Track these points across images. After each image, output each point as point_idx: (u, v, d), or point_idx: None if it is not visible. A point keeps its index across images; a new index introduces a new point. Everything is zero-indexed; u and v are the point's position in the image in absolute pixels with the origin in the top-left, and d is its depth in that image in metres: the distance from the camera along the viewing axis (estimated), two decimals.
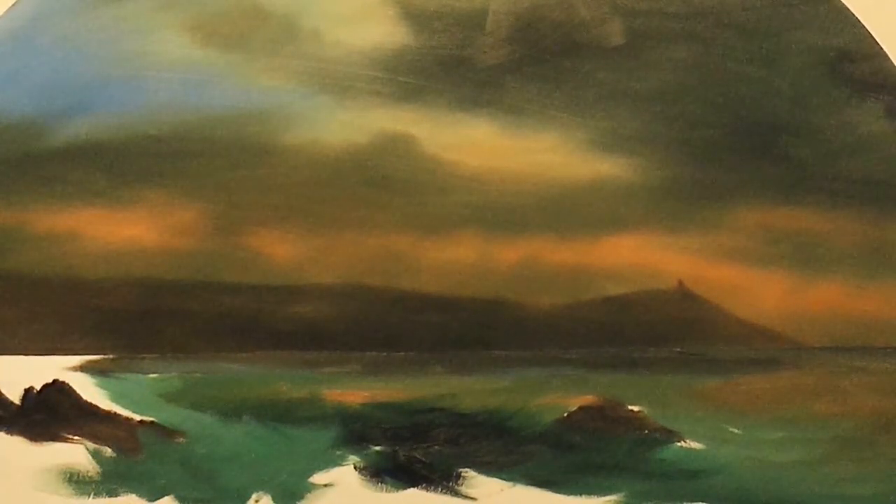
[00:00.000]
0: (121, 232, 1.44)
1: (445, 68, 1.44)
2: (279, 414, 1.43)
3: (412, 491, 1.41)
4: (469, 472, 1.41)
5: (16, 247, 1.44)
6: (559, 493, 1.41)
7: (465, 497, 1.41)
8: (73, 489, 1.44)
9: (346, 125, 1.43)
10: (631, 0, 1.44)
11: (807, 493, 1.39)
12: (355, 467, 1.42)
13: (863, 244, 1.41)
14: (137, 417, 1.44)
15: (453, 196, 1.43)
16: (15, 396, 1.45)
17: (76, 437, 1.44)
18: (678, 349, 1.41)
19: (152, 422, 1.44)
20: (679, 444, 1.40)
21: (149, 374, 1.44)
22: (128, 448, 1.44)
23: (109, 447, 1.44)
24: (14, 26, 1.47)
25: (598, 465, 1.41)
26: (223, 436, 1.43)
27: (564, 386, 1.41)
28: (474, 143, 1.43)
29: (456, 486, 1.41)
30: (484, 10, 1.45)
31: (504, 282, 1.42)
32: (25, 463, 1.44)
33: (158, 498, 1.44)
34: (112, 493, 1.44)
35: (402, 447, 1.42)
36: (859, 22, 1.43)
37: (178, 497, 1.44)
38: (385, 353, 1.42)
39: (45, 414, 1.44)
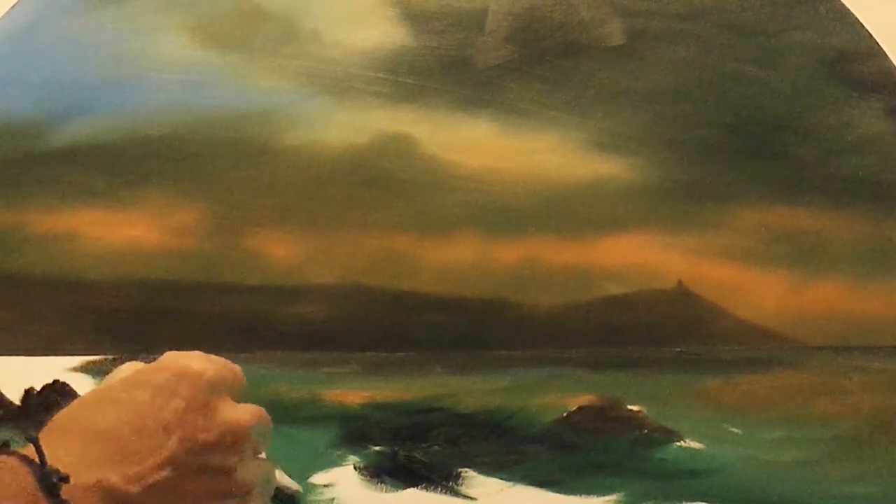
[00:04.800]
0: (121, 232, 1.44)
1: (445, 68, 1.44)
2: (279, 414, 1.42)
3: (412, 491, 1.41)
4: (469, 472, 1.41)
5: (16, 247, 1.44)
6: (559, 493, 1.40)
7: (465, 497, 1.41)
8: None
9: (345, 125, 1.43)
10: (631, 0, 1.44)
11: (807, 493, 1.39)
12: (355, 467, 1.42)
13: (863, 244, 1.41)
14: None
15: (453, 196, 1.42)
16: (15, 396, 1.44)
17: None
18: (678, 349, 1.41)
19: None
20: (679, 443, 1.40)
21: None
22: None
23: None
24: (14, 27, 1.47)
25: (597, 465, 1.41)
26: None
27: (564, 386, 1.41)
28: (474, 143, 1.43)
29: (456, 486, 1.41)
30: (484, 10, 1.45)
31: (504, 282, 1.42)
32: None
33: None
34: None
35: (402, 447, 1.42)
36: (859, 22, 1.43)
37: None
38: (385, 353, 1.42)
39: (45, 414, 1.44)
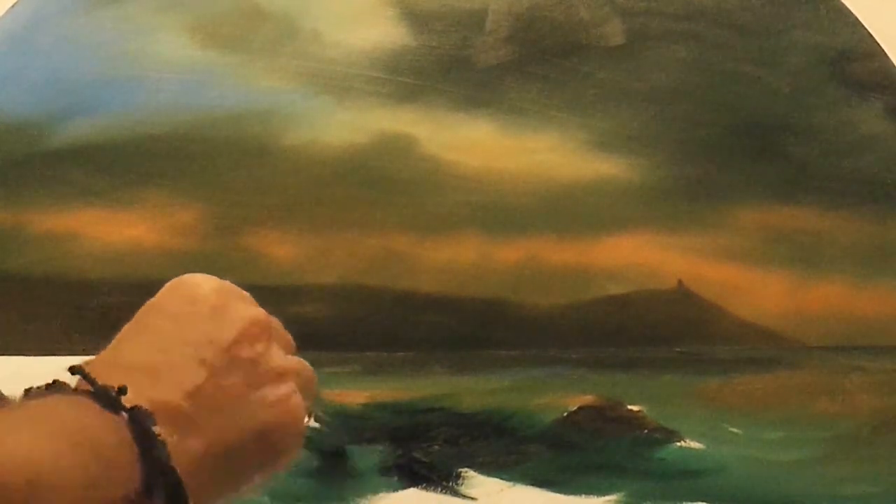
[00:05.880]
0: (121, 232, 1.44)
1: (445, 69, 1.44)
2: None
3: (412, 491, 1.41)
4: (469, 472, 1.41)
5: (16, 247, 1.44)
6: (559, 492, 1.40)
7: (465, 497, 1.41)
8: None
9: (346, 125, 1.44)
10: (631, 0, 1.44)
11: (806, 493, 1.39)
12: (355, 467, 1.42)
13: (863, 244, 1.41)
14: None
15: (453, 196, 1.43)
16: (15, 397, 1.44)
17: None
18: (678, 349, 1.41)
19: None
20: (679, 443, 1.40)
21: None
22: None
23: None
24: (14, 26, 1.47)
25: (598, 465, 1.41)
26: None
27: (564, 386, 1.41)
28: (474, 143, 1.43)
29: (456, 486, 1.41)
30: (484, 10, 1.45)
31: (504, 282, 1.42)
32: None
33: None
34: None
35: (402, 447, 1.42)
36: (859, 22, 1.43)
37: None
38: (385, 353, 1.42)
39: None
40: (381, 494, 1.41)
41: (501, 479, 1.41)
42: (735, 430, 1.40)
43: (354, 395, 1.42)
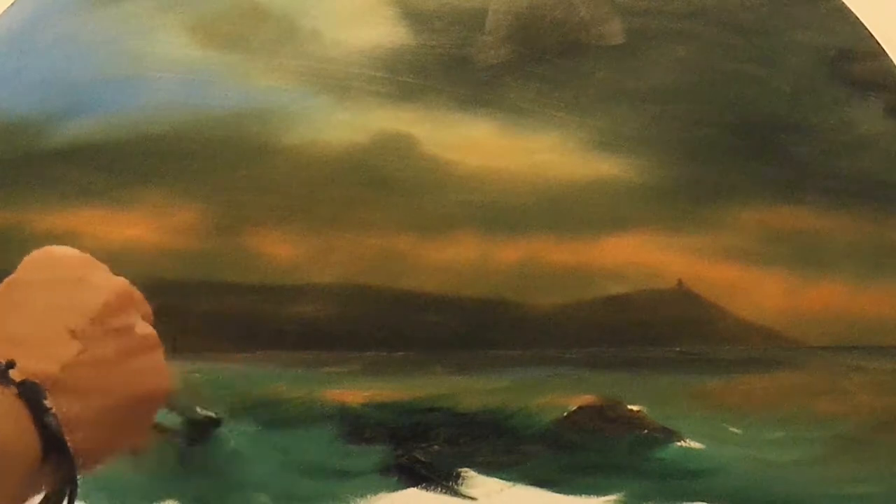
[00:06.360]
0: (120, 232, 1.44)
1: (445, 68, 1.44)
2: (279, 413, 1.43)
3: (412, 491, 1.41)
4: (469, 472, 1.41)
5: (16, 247, 1.44)
6: (559, 492, 1.40)
7: (465, 497, 1.41)
8: None
9: (345, 125, 1.43)
10: (631, 0, 1.44)
11: (807, 493, 1.39)
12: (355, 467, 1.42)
13: (863, 244, 1.41)
14: None
15: (453, 196, 1.42)
16: None
17: None
18: (678, 349, 1.41)
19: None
20: (679, 443, 1.40)
21: None
22: None
23: None
24: (14, 26, 1.47)
25: (597, 465, 1.41)
26: (223, 436, 1.43)
27: (564, 386, 1.41)
28: (474, 143, 1.43)
29: (456, 486, 1.41)
30: (484, 10, 1.45)
31: (504, 282, 1.42)
32: None
33: (158, 500, 1.44)
34: (112, 495, 1.44)
35: (402, 447, 1.42)
36: (859, 21, 1.43)
37: (178, 497, 1.44)
38: (385, 353, 1.42)
39: None
40: (380, 494, 1.41)
41: (501, 479, 1.41)
42: (735, 430, 1.40)
43: (354, 394, 1.42)
